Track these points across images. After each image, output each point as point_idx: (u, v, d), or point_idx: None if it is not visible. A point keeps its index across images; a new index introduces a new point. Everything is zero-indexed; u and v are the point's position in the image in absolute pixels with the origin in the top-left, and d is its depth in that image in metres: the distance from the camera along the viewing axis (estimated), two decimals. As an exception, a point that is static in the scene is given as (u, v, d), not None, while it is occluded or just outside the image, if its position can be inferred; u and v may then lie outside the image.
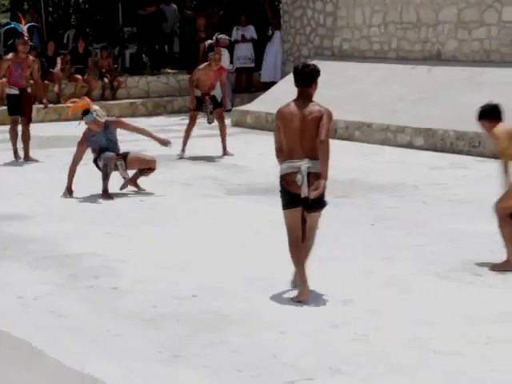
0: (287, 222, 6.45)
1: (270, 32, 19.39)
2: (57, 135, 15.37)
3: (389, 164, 12.12)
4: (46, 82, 17.84)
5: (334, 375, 4.96)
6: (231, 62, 19.16)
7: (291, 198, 6.33)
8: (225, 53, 18.87)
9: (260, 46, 19.70)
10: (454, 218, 8.58)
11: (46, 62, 18.21)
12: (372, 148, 13.57)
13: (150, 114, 18.41)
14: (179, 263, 7.35)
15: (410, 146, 13.41)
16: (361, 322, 5.80)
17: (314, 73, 6.40)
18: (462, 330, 5.61)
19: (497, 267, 6.94)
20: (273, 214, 8.82)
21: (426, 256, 7.39)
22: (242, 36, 19.45)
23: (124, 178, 10.32)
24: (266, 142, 14.34)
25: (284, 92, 16.27)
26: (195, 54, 19.79)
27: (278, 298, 6.37)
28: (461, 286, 6.57)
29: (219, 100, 13.59)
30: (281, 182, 6.40)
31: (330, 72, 16.55)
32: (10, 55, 12.94)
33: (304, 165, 6.23)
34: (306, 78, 6.40)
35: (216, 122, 13.23)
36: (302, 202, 6.30)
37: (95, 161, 10.27)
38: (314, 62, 17.44)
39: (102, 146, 10.18)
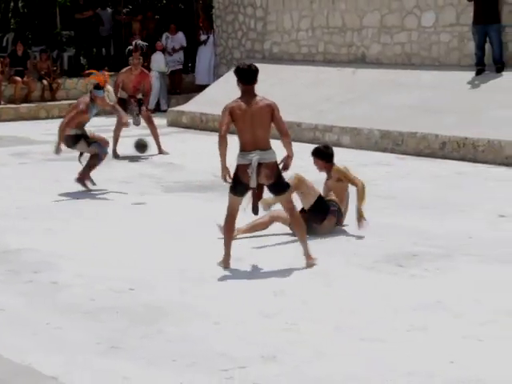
0: (230, 201, 6.87)
1: (205, 36, 19.30)
2: (-3, 135, 15.15)
3: (317, 161, 12.17)
4: (-14, 83, 17.59)
5: (266, 363, 4.97)
6: (166, 64, 19.07)
7: (241, 187, 6.74)
8: (160, 56, 18.86)
9: (192, 50, 19.62)
10: (379, 213, 8.65)
11: (-15, 65, 17.94)
12: (301, 146, 13.59)
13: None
14: (118, 258, 7.29)
15: (337, 144, 13.47)
16: (291, 312, 5.83)
17: (257, 71, 6.82)
18: (386, 319, 5.67)
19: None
20: (208, 210, 8.83)
21: (352, 248, 7.45)
22: (173, 48, 19.29)
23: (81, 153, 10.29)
24: (200, 141, 14.34)
25: (218, 93, 16.25)
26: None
27: (212, 290, 6.37)
28: (384, 276, 6.64)
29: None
30: (235, 170, 6.77)
31: (261, 74, 16.60)
32: None
33: (255, 157, 6.64)
34: (252, 76, 6.78)
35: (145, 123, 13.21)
36: (253, 191, 6.76)
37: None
38: (246, 64, 17.60)
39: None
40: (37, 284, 6.60)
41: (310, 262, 6.87)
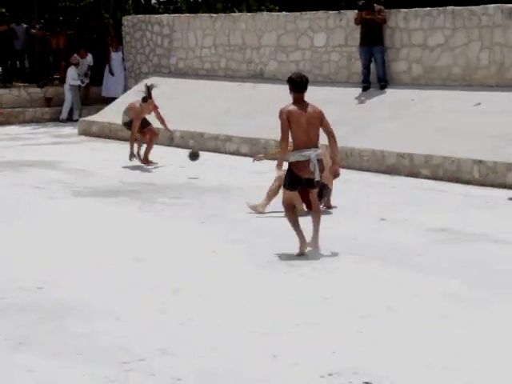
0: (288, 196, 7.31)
1: (115, 54, 19.06)
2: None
3: (219, 168, 12.23)
4: None
5: (162, 356, 4.96)
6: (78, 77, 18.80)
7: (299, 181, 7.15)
8: (73, 70, 18.61)
9: (101, 63, 19.36)
10: (270, 215, 8.75)
11: None
12: (205, 155, 13.62)
13: (2, 124, 17.82)
14: (27, 258, 7.15)
15: (237, 153, 13.58)
16: (189, 308, 5.82)
17: (308, 81, 7.34)
18: (285, 314, 5.72)
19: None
20: (113, 213, 8.75)
21: (247, 249, 7.49)
22: (85, 73, 19.04)
23: None
24: (109, 150, 14.18)
25: (126, 105, 16.05)
26: (44, 70, 19.52)
27: (111, 288, 6.31)
28: (278, 274, 6.70)
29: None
30: (290, 168, 7.12)
31: (167, 87, 16.54)
32: None
33: (313, 154, 7.00)
34: (304, 86, 7.28)
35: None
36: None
37: None
38: (153, 78, 17.52)
39: None
40: None
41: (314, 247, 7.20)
